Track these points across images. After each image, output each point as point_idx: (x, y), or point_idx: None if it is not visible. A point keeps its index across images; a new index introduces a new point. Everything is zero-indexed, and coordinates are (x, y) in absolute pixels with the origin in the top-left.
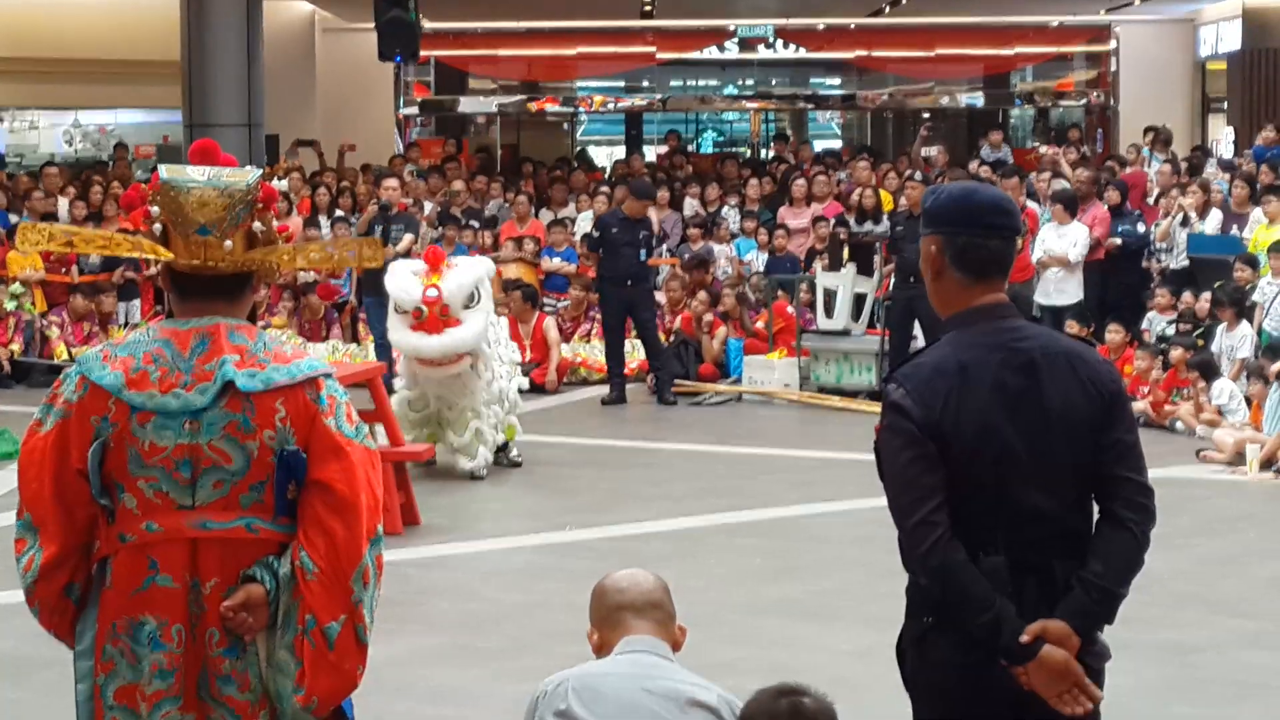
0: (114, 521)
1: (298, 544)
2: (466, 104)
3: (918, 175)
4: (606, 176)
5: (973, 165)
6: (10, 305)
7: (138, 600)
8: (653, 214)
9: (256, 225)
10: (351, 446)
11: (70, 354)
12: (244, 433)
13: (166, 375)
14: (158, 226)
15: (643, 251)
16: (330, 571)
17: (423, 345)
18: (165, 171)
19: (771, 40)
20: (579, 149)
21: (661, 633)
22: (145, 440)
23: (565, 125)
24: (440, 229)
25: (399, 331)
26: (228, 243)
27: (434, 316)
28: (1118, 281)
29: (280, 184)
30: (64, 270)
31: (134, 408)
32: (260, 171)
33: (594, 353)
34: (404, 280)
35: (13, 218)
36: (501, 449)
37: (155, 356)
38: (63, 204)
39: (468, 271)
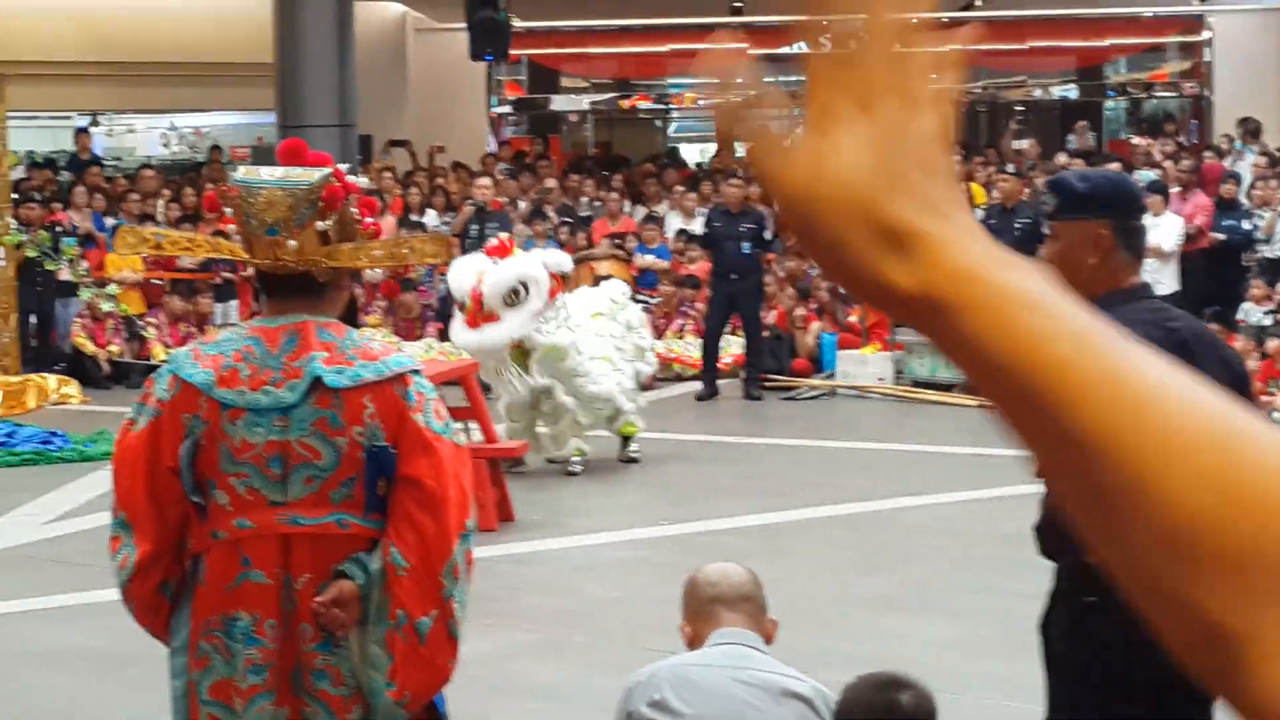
0: (206, 518)
1: (388, 540)
2: (559, 102)
3: (1009, 168)
4: (697, 172)
5: (1060, 158)
6: (108, 306)
7: (231, 596)
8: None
9: (322, 224)
10: (440, 442)
11: (168, 355)
12: (333, 429)
13: (256, 372)
14: (232, 227)
15: (746, 245)
16: (421, 567)
17: (460, 339)
18: (240, 173)
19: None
20: (671, 146)
21: (753, 625)
22: (236, 437)
23: (657, 122)
24: (531, 226)
25: (454, 323)
26: (292, 242)
27: (474, 312)
28: (1214, 272)
29: (361, 180)
30: (163, 270)
31: (225, 405)
32: (327, 172)
33: (687, 349)
34: (461, 273)
35: (109, 220)
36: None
37: (245, 354)
38: (159, 206)
39: (511, 269)
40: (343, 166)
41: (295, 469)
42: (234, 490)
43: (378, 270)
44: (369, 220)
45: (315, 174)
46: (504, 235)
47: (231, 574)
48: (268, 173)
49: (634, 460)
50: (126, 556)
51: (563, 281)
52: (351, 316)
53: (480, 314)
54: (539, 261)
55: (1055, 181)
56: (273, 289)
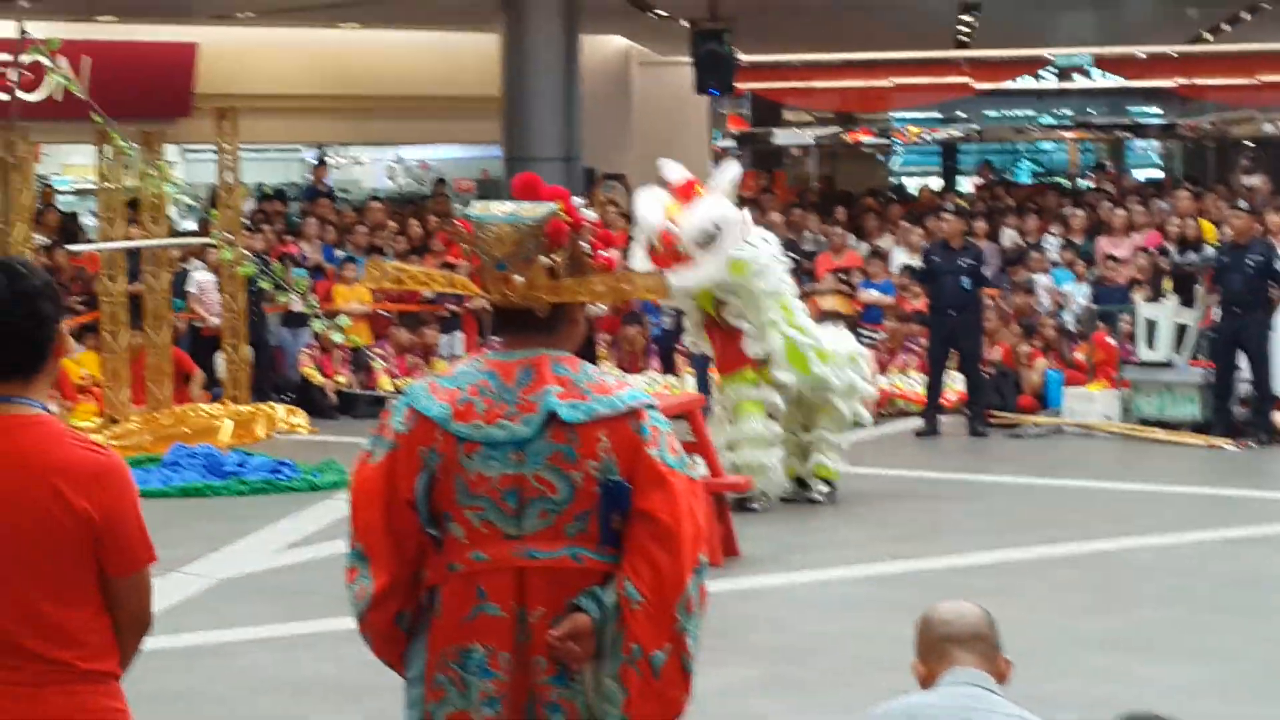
0: (442, 551)
1: (623, 574)
2: (782, 136)
3: (1241, 204)
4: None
5: None
6: (339, 338)
7: (466, 628)
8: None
9: (548, 259)
10: (675, 476)
11: (394, 386)
12: (568, 463)
13: (492, 406)
14: (465, 263)
15: (966, 280)
16: (655, 601)
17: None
18: (473, 208)
19: (1089, 69)
20: (895, 180)
21: (987, 665)
22: (472, 470)
23: (880, 156)
24: None
25: (635, 260)
26: (518, 277)
27: (664, 252)
28: None
29: (591, 214)
30: (390, 302)
31: (461, 438)
32: (554, 208)
33: (911, 384)
34: (650, 207)
35: (339, 252)
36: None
37: (481, 388)
38: (386, 238)
39: (708, 210)
40: (577, 201)
41: (530, 503)
42: (469, 523)
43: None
44: (601, 254)
45: (541, 209)
46: (689, 176)
47: (467, 606)
48: (498, 208)
49: (816, 501)
50: (363, 588)
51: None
52: (589, 351)
53: (671, 254)
54: (726, 189)
55: None
56: (506, 323)
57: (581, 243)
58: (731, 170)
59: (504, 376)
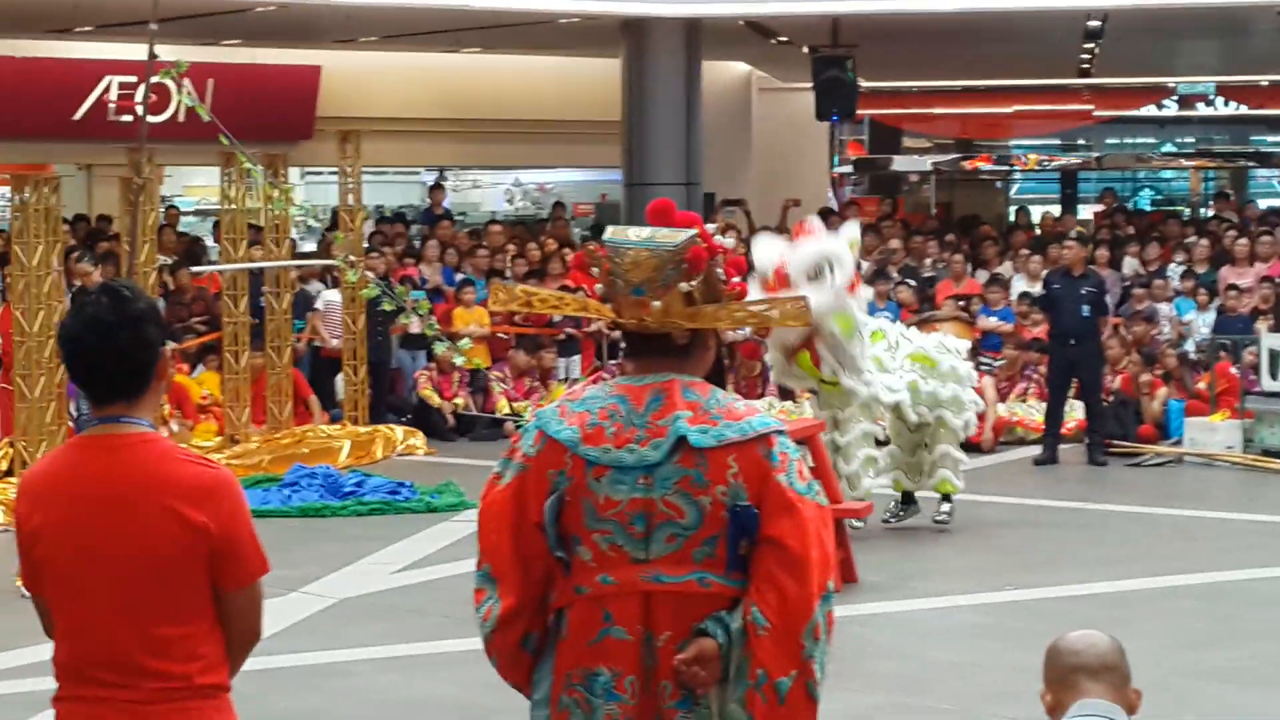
0: (570, 574)
1: (749, 599)
2: (900, 162)
3: None
4: (1037, 234)
5: None
6: (459, 360)
7: (593, 651)
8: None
9: (686, 285)
10: (803, 503)
11: (512, 408)
12: (697, 488)
13: (621, 430)
14: (599, 287)
15: (1086, 308)
16: (781, 627)
17: None
18: (608, 233)
19: (1212, 97)
20: (1016, 207)
21: (1116, 696)
22: (600, 494)
23: (999, 183)
24: (874, 286)
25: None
26: (656, 303)
27: (775, 286)
28: None
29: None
30: (508, 325)
31: (590, 462)
32: (692, 234)
33: (1030, 412)
34: (764, 250)
35: (458, 275)
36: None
37: (611, 412)
38: (506, 261)
39: (816, 246)
40: (710, 227)
41: (658, 527)
42: (597, 546)
43: (742, 330)
44: (735, 280)
45: (680, 235)
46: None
47: (594, 629)
48: (635, 233)
49: (943, 523)
50: (491, 609)
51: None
52: (719, 377)
53: (781, 288)
54: (844, 240)
55: None
56: (638, 348)
57: (717, 269)
58: (851, 229)
59: (634, 401)
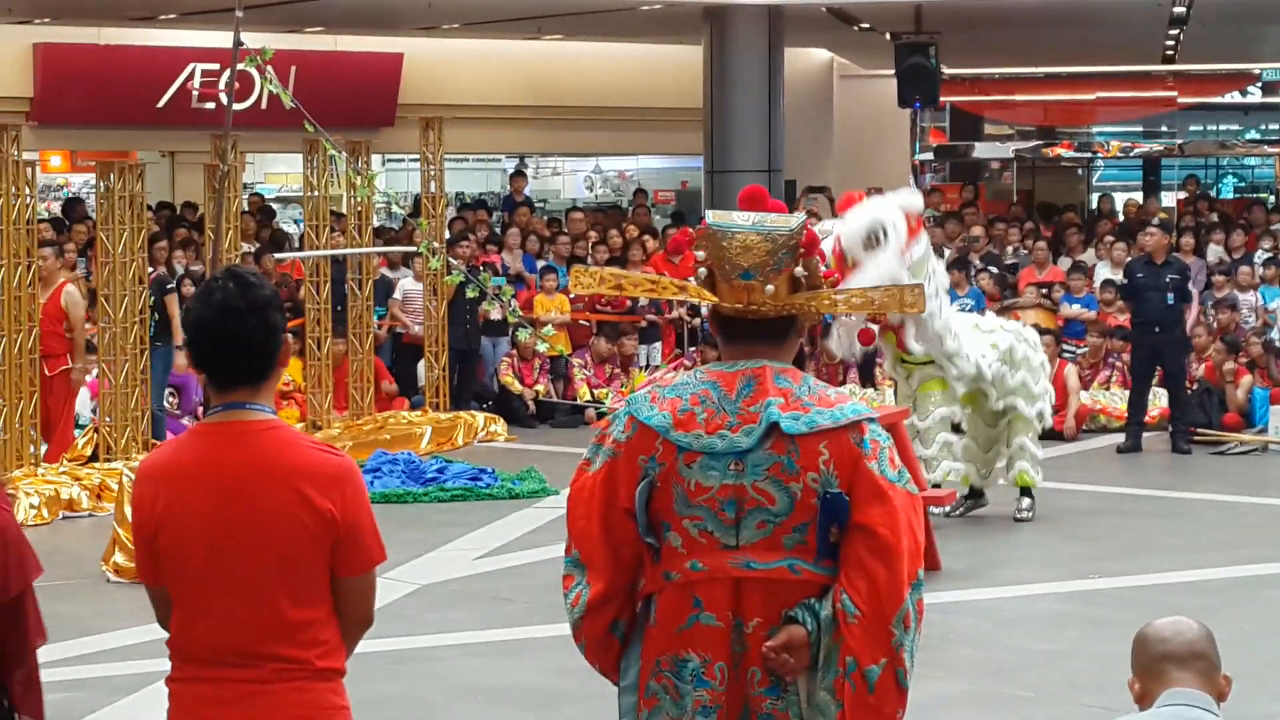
0: (659, 560)
1: (839, 587)
2: (982, 149)
3: None
4: (1120, 220)
5: None
6: (543, 347)
7: (682, 637)
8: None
9: (798, 270)
10: (894, 490)
11: (592, 395)
12: (788, 474)
13: (713, 416)
14: (702, 271)
15: (1170, 295)
16: (872, 615)
17: None
18: (712, 217)
19: None
20: (1099, 195)
21: (1206, 684)
22: (691, 480)
23: (1080, 171)
24: (952, 274)
25: None
26: (769, 287)
27: (837, 269)
28: None
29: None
30: (589, 313)
31: (681, 448)
32: (804, 218)
33: (1113, 400)
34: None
35: (540, 263)
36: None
37: (702, 398)
38: (587, 249)
39: (864, 214)
40: (799, 215)
41: (749, 513)
42: (687, 533)
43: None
44: (824, 267)
45: (793, 220)
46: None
47: (683, 615)
48: (741, 218)
49: (1024, 520)
50: (579, 594)
51: (921, 222)
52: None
53: (844, 269)
54: (892, 204)
55: None
56: (734, 333)
57: (816, 255)
58: (908, 197)
59: (725, 387)
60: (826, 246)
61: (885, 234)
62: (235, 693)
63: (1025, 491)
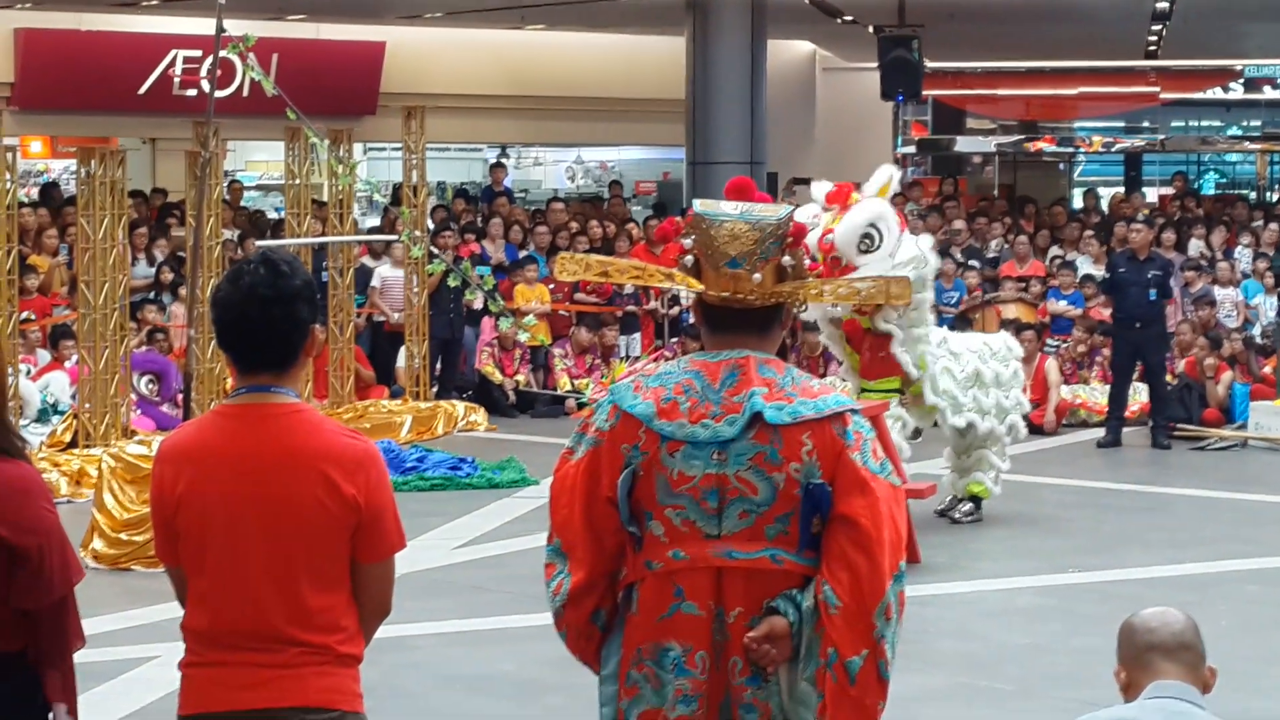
0: (641, 549)
1: (821, 578)
2: (963, 143)
3: None
4: (1104, 216)
5: None
6: (523, 337)
7: (663, 626)
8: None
9: (786, 259)
10: (876, 482)
11: (573, 385)
12: (770, 465)
13: (696, 406)
14: (689, 259)
15: (1152, 291)
16: (853, 606)
17: None
18: (699, 205)
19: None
20: (1085, 190)
21: (1191, 676)
22: (674, 469)
23: (1062, 165)
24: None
25: None
26: (756, 275)
27: (828, 265)
28: None
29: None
30: (569, 303)
31: (664, 437)
32: (792, 208)
33: (1094, 394)
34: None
35: (522, 252)
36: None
37: (686, 387)
38: (567, 239)
39: (860, 214)
40: (786, 206)
41: (731, 503)
42: (670, 522)
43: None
44: (807, 259)
45: (781, 210)
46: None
47: (665, 604)
48: (729, 207)
49: (958, 523)
50: (561, 583)
51: (906, 220)
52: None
53: (834, 266)
54: (884, 201)
55: None
56: (718, 323)
57: (802, 247)
58: (884, 173)
59: (709, 376)
60: (812, 239)
61: (880, 235)
62: (256, 677)
63: (975, 499)
